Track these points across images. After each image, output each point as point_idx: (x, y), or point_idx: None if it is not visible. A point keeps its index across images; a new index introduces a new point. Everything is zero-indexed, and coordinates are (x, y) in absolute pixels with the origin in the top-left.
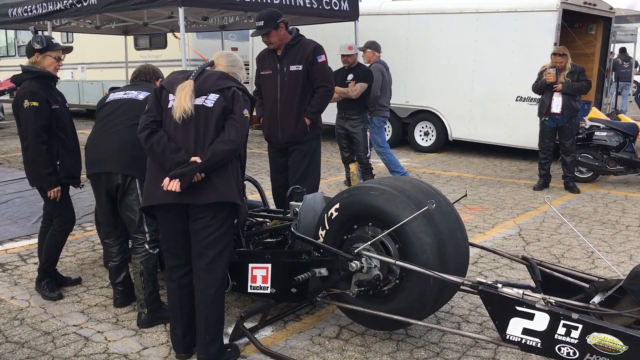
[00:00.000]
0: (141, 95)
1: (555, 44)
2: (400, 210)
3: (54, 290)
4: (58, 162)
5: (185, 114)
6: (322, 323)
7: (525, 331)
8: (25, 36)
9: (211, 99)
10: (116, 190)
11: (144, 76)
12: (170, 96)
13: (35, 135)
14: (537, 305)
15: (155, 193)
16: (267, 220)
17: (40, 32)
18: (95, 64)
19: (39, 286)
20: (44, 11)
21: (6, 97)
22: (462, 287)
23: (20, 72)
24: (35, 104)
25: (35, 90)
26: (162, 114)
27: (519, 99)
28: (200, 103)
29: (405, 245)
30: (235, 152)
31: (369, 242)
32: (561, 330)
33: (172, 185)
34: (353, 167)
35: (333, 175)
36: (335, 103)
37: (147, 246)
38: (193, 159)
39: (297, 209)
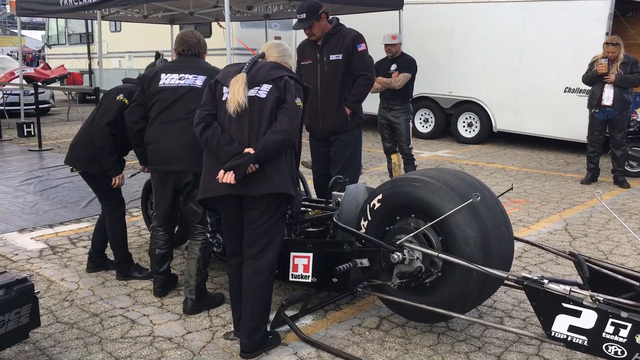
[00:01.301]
0: (198, 82)
1: (607, 33)
2: (444, 203)
3: (142, 270)
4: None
5: (239, 107)
6: (363, 313)
7: (572, 328)
8: (76, 25)
9: (264, 90)
10: (185, 186)
11: (195, 50)
12: (225, 89)
13: (110, 125)
14: (584, 303)
15: (212, 185)
16: (309, 209)
17: (161, 55)
18: (142, 53)
19: (127, 273)
20: (94, 0)
21: (57, 84)
22: (506, 281)
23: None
24: (125, 101)
25: (133, 92)
26: (217, 107)
27: (567, 90)
28: (254, 94)
29: (449, 238)
30: (288, 141)
31: (411, 234)
32: (609, 328)
33: (227, 177)
34: (395, 158)
35: (374, 166)
36: (378, 93)
37: (208, 235)
38: (247, 150)
39: (340, 199)
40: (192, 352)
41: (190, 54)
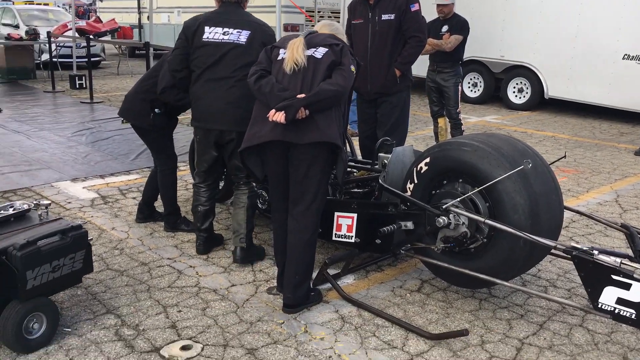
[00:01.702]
0: (242, 37)
1: None
2: (493, 168)
3: (189, 223)
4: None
5: (296, 63)
6: (404, 276)
7: (620, 301)
8: None
9: (320, 52)
10: (227, 143)
11: None
12: (281, 51)
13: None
14: (635, 275)
15: (258, 133)
16: (354, 170)
17: None
18: (191, 8)
19: (175, 226)
20: None
21: (108, 37)
22: (553, 251)
23: None
24: None
25: None
26: (272, 66)
27: (626, 57)
28: (310, 54)
29: (497, 204)
30: (340, 95)
31: (458, 199)
32: None
33: (277, 116)
34: (442, 121)
35: (420, 129)
36: (427, 55)
37: (254, 184)
38: (299, 96)
39: (386, 161)
40: (236, 305)
41: (232, 1)
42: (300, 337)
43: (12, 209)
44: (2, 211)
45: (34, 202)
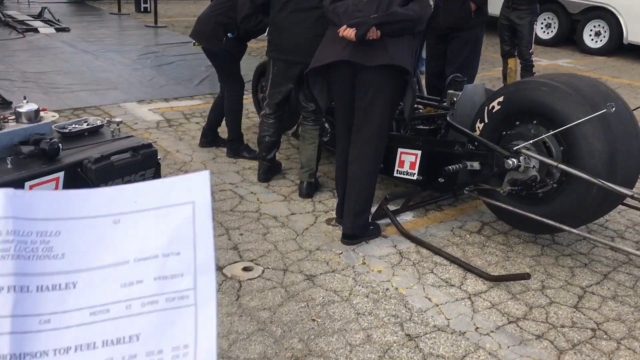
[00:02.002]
0: None
1: None
2: (572, 111)
3: (251, 150)
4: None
5: None
6: (464, 217)
7: None
8: None
9: None
10: (301, 73)
11: None
12: None
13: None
14: None
15: (326, 54)
16: (420, 107)
17: None
18: None
19: (237, 152)
20: None
21: None
22: (627, 201)
23: None
24: None
25: None
26: None
27: None
28: None
29: (572, 149)
30: (414, 22)
31: (530, 141)
32: None
33: (348, 31)
34: (512, 62)
35: (487, 70)
36: None
37: (323, 119)
38: (372, 16)
39: (455, 99)
40: (295, 232)
41: None
42: (358, 268)
43: (86, 124)
44: (76, 125)
45: (107, 119)
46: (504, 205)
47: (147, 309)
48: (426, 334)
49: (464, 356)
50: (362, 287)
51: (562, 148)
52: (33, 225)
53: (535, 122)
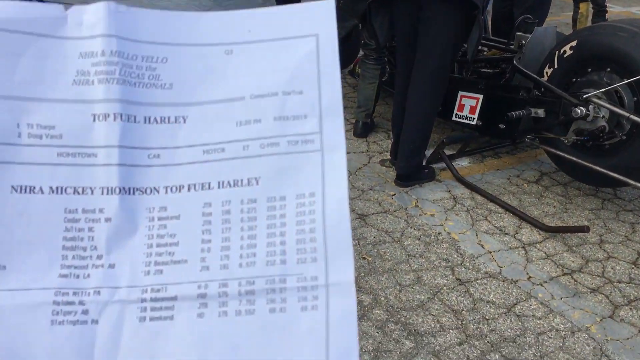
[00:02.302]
0: None
1: None
2: None
3: None
4: None
5: None
6: (522, 165)
7: None
8: None
9: None
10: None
11: None
12: None
13: None
14: None
15: None
16: (485, 49)
17: None
18: None
19: None
20: None
21: None
22: None
23: None
24: None
25: None
26: None
27: None
28: None
29: None
30: None
31: (602, 89)
32: None
33: None
34: (583, 7)
35: (555, 15)
36: None
37: (385, 59)
38: None
39: (524, 42)
40: (348, 171)
41: None
42: (411, 211)
43: None
44: None
45: None
46: (566, 156)
47: (267, 151)
48: (477, 279)
49: (515, 304)
50: (414, 229)
51: (635, 99)
52: (138, 48)
53: (608, 69)
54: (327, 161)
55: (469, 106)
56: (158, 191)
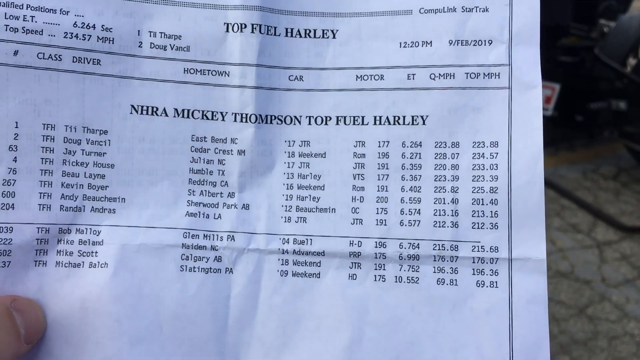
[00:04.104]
0: None
1: None
2: None
3: None
4: None
5: None
6: (599, 160)
7: None
8: None
9: None
10: None
11: None
12: None
13: None
14: None
15: None
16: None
17: None
18: None
19: None
20: None
21: None
22: None
23: None
24: None
25: None
26: None
27: None
28: None
29: None
30: None
31: None
32: None
33: None
34: None
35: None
36: None
37: None
38: None
39: (606, 29)
40: None
41: None
42: None
43: None
44: None
45: None
46: None
47: (438, 83)
48: (548, 277)
49: (587, 306)
50: None
51: None
52: None
53: None
54: (517, 103)
55: (544, 96)
56: (300, 121)
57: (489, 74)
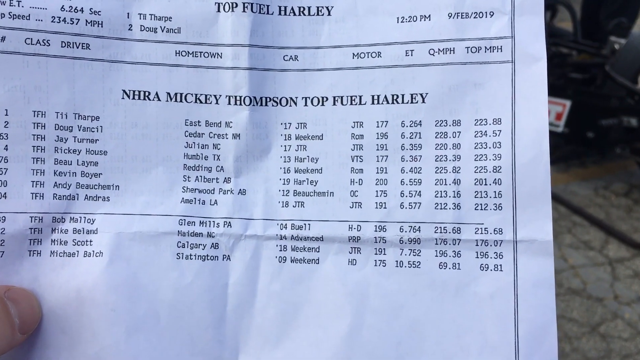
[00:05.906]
0: None
1: None
2: None
3: None
4: None
5: None
6: (610, 177)
7: None
8: None
9: None
10: None
11: None
12: None
13: None
14: None
15: None
16: (574, 52)
17: None
18: None
19: None
20: None
21: None
22: None
23: None
24: None
25: None
26: None
27: None
28: None
29: None
30: None
31: None
32: None
33: None
34: None
35: None
36: None
37: None
38: None
39: (617, 46)
40: None
41: None
42: None
43: None
44: None
45: None
46: None
47: (438, 59)
48: (559, 295)
49: (600, 324)
50: None
51: None
52: None
53: None
54: (521, 77)
55: (555, 112)
56: (296, 102)
57: (490, 47)
